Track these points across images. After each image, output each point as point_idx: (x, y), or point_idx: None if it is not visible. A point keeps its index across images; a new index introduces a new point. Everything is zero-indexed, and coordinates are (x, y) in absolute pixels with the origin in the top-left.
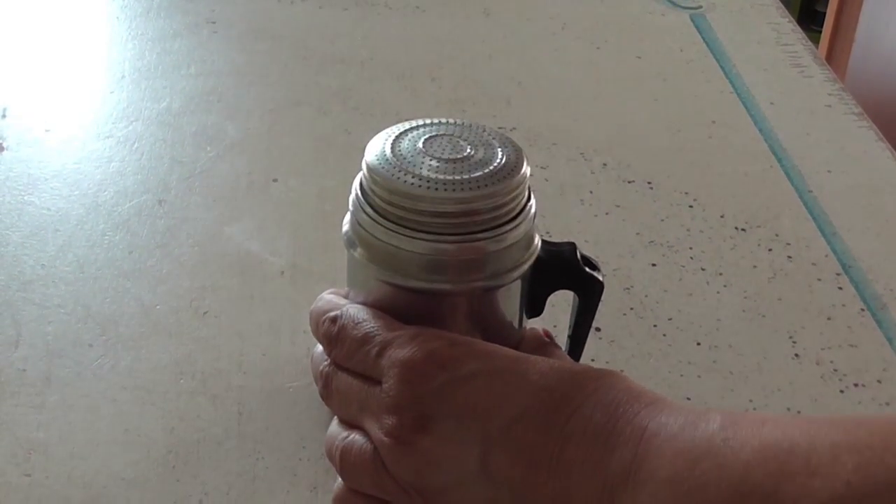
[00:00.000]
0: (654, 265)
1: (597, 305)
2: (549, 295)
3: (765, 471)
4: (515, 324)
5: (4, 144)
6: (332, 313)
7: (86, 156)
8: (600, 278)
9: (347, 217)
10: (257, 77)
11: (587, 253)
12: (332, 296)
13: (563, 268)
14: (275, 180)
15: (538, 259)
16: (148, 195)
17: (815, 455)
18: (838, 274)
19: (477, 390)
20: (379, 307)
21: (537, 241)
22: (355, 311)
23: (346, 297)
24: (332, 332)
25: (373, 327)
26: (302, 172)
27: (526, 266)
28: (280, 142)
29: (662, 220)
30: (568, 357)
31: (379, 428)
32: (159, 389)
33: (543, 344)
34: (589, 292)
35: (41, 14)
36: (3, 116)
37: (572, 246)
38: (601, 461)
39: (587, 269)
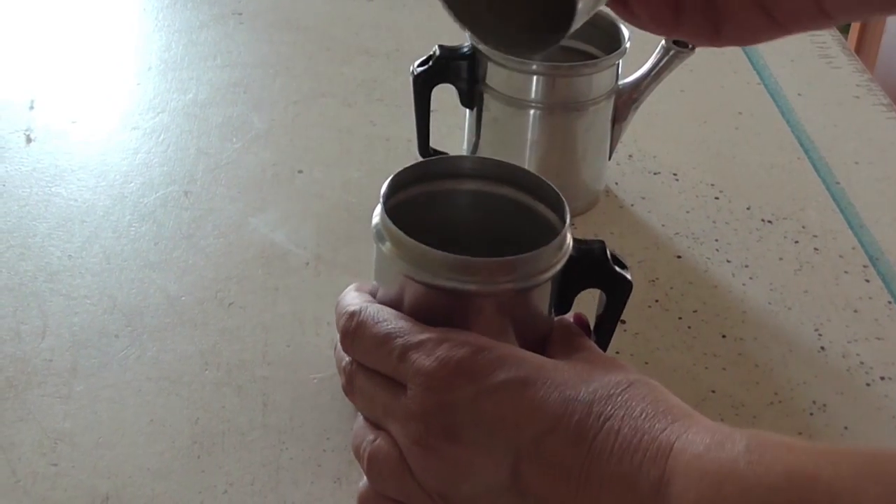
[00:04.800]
0: (679, 257)
1: (624, 304)
2: (577, 293)
3: (787, 497)
4: (544, 324)
5: (32, 136)
6: (351, 308)
7: (112, 147)
8: (629, 278)
9: (378, 209)
10: (283, 68)
11: (616, 251)
12: (356, 292)
13: (594, 267)
14: (300, 171)
15: (569, 258)
16: (174, 186)
17: (838, 482)
18: (865, 266)
19: (506, 401)
20: (404, 305)
21: (569, 240)
22: (376, 310)
23: (372, 292)
24: (350, 328)
25: (393, 328)
26: (327, 163)
27: (558, 267)
28: (305, 133)
29: (688, 212)
30: (597, 349)
31: (405, 434)
32: (184, 380)
33: (572, 335)
34: (618, 292)
35: (68, 6)
36: (31, 108)
37: (602, 244)
38: (630, 478)
39: (617, 269)
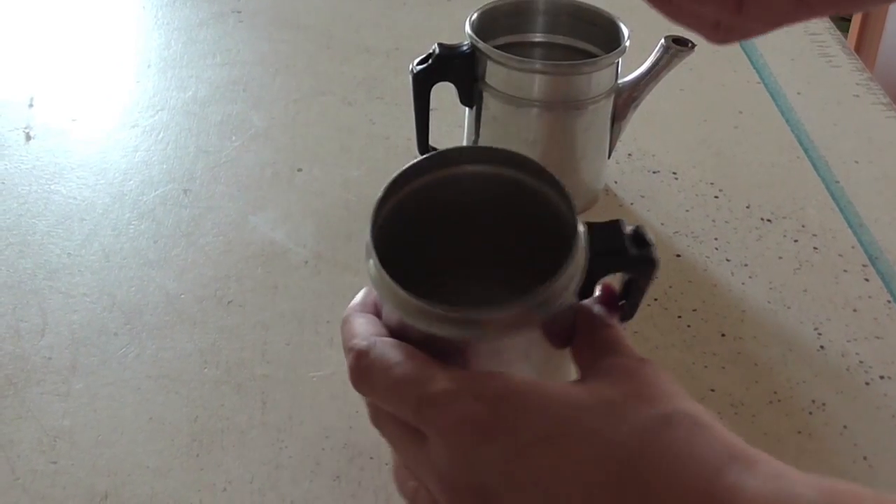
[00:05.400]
0: (678, 256)
1: (650, 282)
2: (598, 280)
3: None
4: (567, 320)
5: (31, 133)
6: (358, 346)
7: (112, 145)
8: (654, 256)
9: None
10: (282, 67)
11: (639, 226)
12: (362, 318)
13: (614, 258)
14: (299, 170)
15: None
16: (173, 184)
17: None
18: (865, 265)
19: (536, 461)
20: (407, 336)
21: (583, 247)
22: (383, 349)
23: (377, 310)
24: (358, 369)
25: (403, 374)
26: (326, 162)
27: (576, 285)
28: (305, 131)
29: (687, 211)
30: (624, 344)
31: (438, 492)
32: (184, 378)
33: (598, 327)
34: (643, 273)
35: (67, 4)
36: (30, 106)
37: (618, 229)
38: None
39: (639, 251)
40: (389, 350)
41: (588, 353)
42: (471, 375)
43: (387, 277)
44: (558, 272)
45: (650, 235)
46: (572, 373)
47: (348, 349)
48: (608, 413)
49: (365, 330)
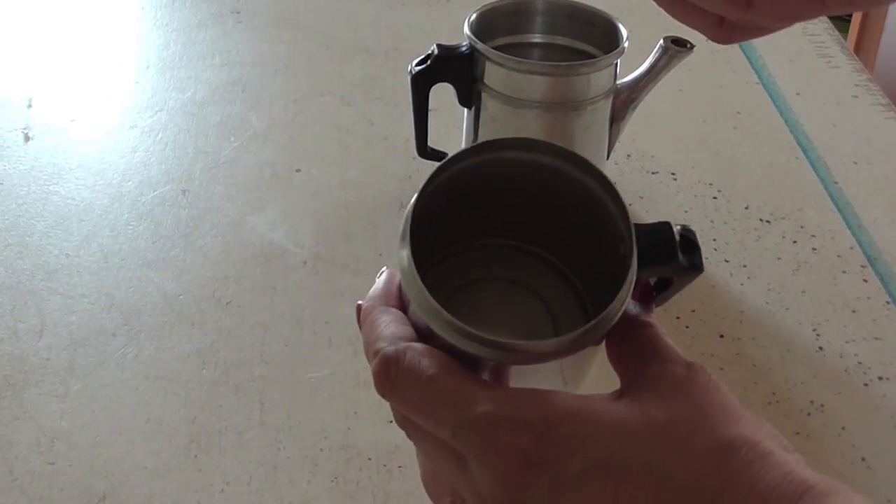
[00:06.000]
0: None
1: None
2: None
3: None
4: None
5: (30, 134)
6: (388, 351)
7: (110, 146)
8: (702, 263)
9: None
10: (281, 67)
11: (685, 228)
12: (386, 316)
13: (663, 263)
14: (298, 170)
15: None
16: (172, 185)
17: None
18: (863, 266)
19: (586, 495)
20: (435, 341)
21: (635, 267)
22: (414, 358)
23: (403, 304)
24: (389, 377)
25: (441, 391)
26: (325, 162)
27: (625, 305)
28: (303, 132)
29: (686, 212)
30: (668, 344)
31: None
32: (182, 379)
33: (635, 328)
34: (687, 278)
35: (66, 4)
36: (29, 106)
37: (668, 231)
38: None
39: (689, 258)
40: (422, 360)
41: (629, 360)
42: (512, 397)
43: (420, 283)
44: (611, 305)
45: (697, 237)
46: (596, 360)
47: (373, 352)
48: (660, 440)
49: (392, 332)
